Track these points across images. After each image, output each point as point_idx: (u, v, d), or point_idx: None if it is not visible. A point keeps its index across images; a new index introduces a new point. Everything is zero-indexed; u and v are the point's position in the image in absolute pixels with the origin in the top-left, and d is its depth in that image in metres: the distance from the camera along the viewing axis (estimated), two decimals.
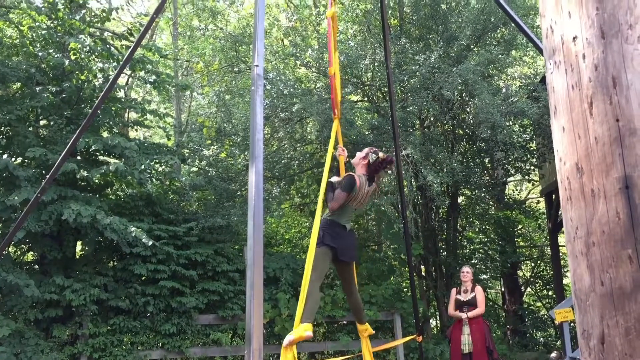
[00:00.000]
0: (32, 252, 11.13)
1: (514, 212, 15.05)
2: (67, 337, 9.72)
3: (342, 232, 5.12)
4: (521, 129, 12.41)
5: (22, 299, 9.24)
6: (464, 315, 7.64)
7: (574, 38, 2.08)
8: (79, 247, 11.13)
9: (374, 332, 5.91)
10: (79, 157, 10.34)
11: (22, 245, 10.60)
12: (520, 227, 16.05)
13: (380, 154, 5.29)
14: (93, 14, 11.01)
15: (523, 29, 5.84)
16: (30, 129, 10.42)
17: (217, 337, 10.26)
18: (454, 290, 8.06)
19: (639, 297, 1.82)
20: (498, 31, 11.51)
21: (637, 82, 1.96)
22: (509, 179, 15.55)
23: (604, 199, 1.92)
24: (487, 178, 13.58)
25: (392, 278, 12.45)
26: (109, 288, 10.08)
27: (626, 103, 1.95)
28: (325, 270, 5.17)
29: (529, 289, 16.63)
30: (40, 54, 9.90)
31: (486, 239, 15.04)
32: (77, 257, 10.83)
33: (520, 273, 16.08)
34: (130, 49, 5.76)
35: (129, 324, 9.92)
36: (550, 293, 15.65)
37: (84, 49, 9.75)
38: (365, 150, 5.37)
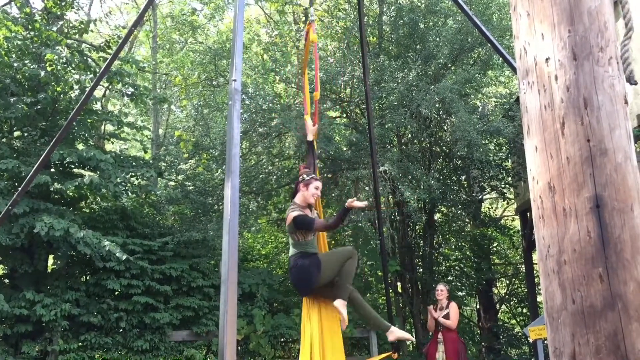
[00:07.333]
0: (2, 266, 10.88)
1: (489, 229, 15.16)
2: (37, 353, 9.49)
3: None
4: (497, 148, 12.56)
5: None
6: (436, 315, 7.67)
7: (547, 59, 2.11)
8: (50, 261, 10.92)
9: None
10: (52, 170, 10.17)
11: None
12: (495, 244, 16.17)
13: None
14: (71, 25, 10.91)
15: (498, 49, 5.92)
16: (4, 140, 10.25)
17: (191, 354, 10.10)
18: (430, 307, 8.07)
19: (609, 316, 1.84)
20: (475, 51, 11.70)
21: (608, 103, 2.00)
22: (484, 197, 15.69)
23: (575, 218, 1.95)
24: (463, 195, 13.68)
25: (368, 294, 12.43)
26: (81, 303, 9.89)
27: (597, 123, 1.98)
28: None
29: (503, 306, 16.72)
30: (15, 64, 9.76)
31: (462, 256, 15.12)
32: (49, 271, 10.61)
33: (495, 290, 16.16)
34: (107, 61, 5.71)
35: (101, 340, 9.72)
36: (524, 310, 15.74)
37: (61, 61, 9.65)
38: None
